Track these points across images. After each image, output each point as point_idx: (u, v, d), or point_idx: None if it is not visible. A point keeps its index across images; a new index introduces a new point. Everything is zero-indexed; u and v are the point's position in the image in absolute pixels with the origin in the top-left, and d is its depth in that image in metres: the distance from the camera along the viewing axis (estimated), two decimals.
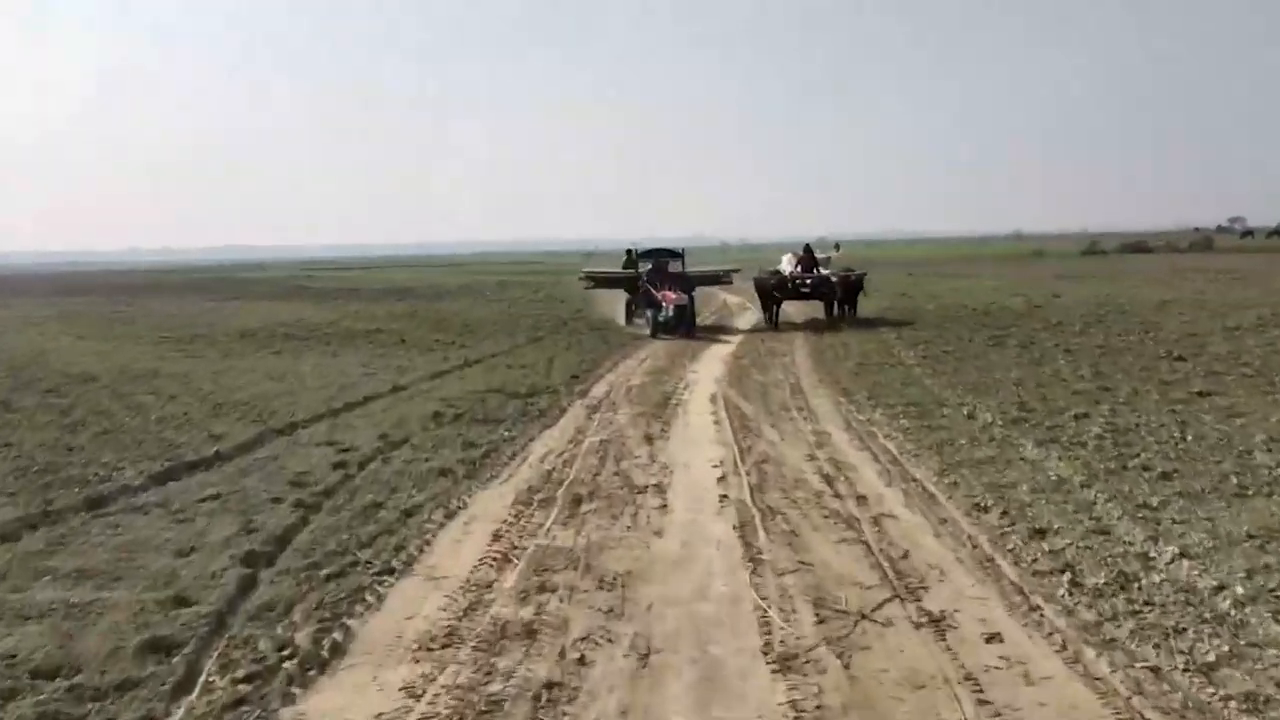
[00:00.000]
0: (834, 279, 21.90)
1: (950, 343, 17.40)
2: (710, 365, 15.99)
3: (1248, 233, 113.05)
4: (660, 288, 21.52)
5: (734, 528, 6.78)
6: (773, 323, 21.85)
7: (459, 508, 7.31)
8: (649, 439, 9.97)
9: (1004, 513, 6.95)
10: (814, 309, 23.72)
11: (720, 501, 7.51)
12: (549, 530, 6.73)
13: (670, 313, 20.74)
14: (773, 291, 21.95)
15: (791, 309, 23.46)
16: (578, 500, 7.52)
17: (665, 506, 7.38)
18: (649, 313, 21.26)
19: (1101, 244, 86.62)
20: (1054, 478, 7.85)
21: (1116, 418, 10.20)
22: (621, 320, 23.45)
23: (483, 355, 17.35)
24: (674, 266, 23.72)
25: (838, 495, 7.64)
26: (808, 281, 21.96)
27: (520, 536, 6.59)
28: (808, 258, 22.72)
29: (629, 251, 25.71)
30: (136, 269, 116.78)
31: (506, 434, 10.18)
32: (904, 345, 17.17)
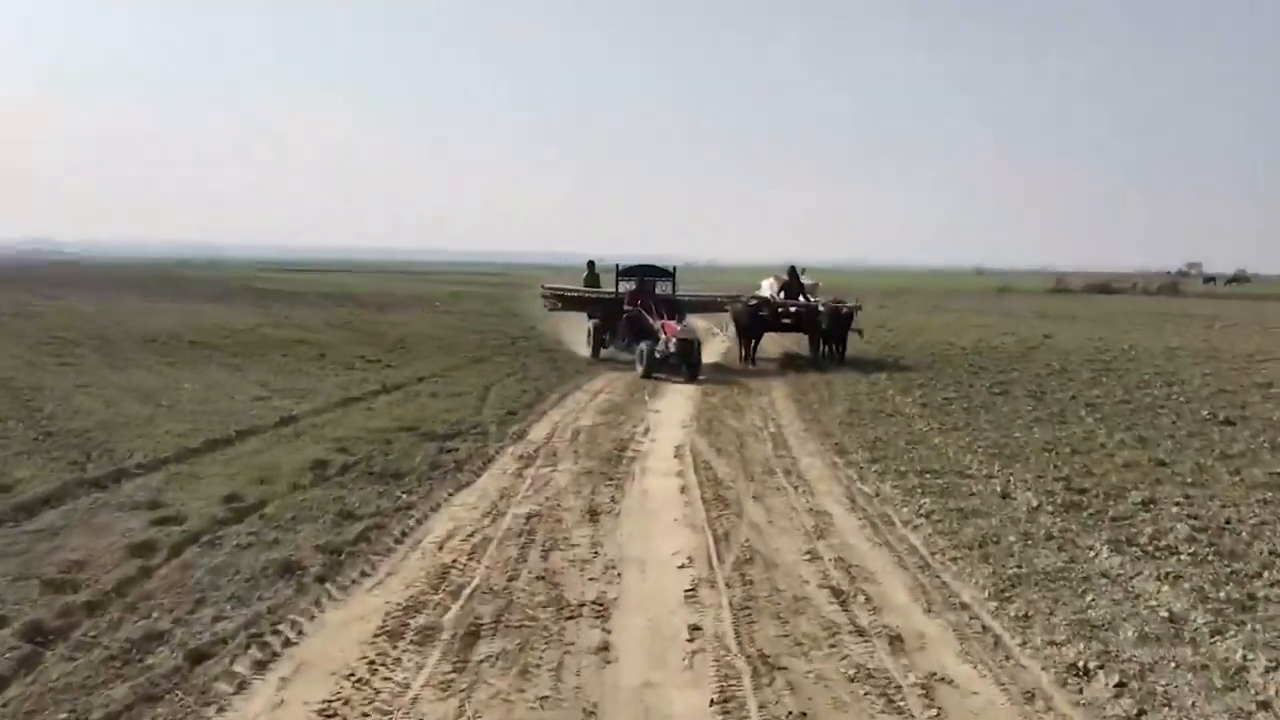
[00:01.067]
0: (822, 309, 18.74)
1: (950, 388, 15.08)
2: (675, 403, 13.53)
3: (1210, 279, 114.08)
4: (656, 315, 17.57)
5: (712, 702, 4.31)
6: (749, 358, 18.82)
7: (286, 644, 4.74)
8: (593, 514, 7.47)
9: (1120, 684, 4.56)
10: (794, 342, 21.25)
11: (690, 640, 5.02)
12: (414, 703, 4.20)
13: (672, 348, 16.37)
14: (753, 320, 18.74)
15: (765, 340, 20.14)
16: (475, 633, 4.98)
17: (607, 650, 4.86)
18: (641, 346, 16.70)
19: (1068, 283, 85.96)
20: (1163, 613, 5.47)
21: (1196, 508, 7.88)
22: (585, 350, 19.18)
23: (408, 379, 14.74)
24: (662, 287, 19.47)
25: (860, 632, 5.20)
26: (791, 310, 19.01)
27: (363, 717, 4.06)
28: (792, 281, 19.64)
29: (591, 264, 21.46)
30: (88, 260, 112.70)
31: (403, 498, 7.63)
32: (897, 389, 14.82)
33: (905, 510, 7.75)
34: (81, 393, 12.13)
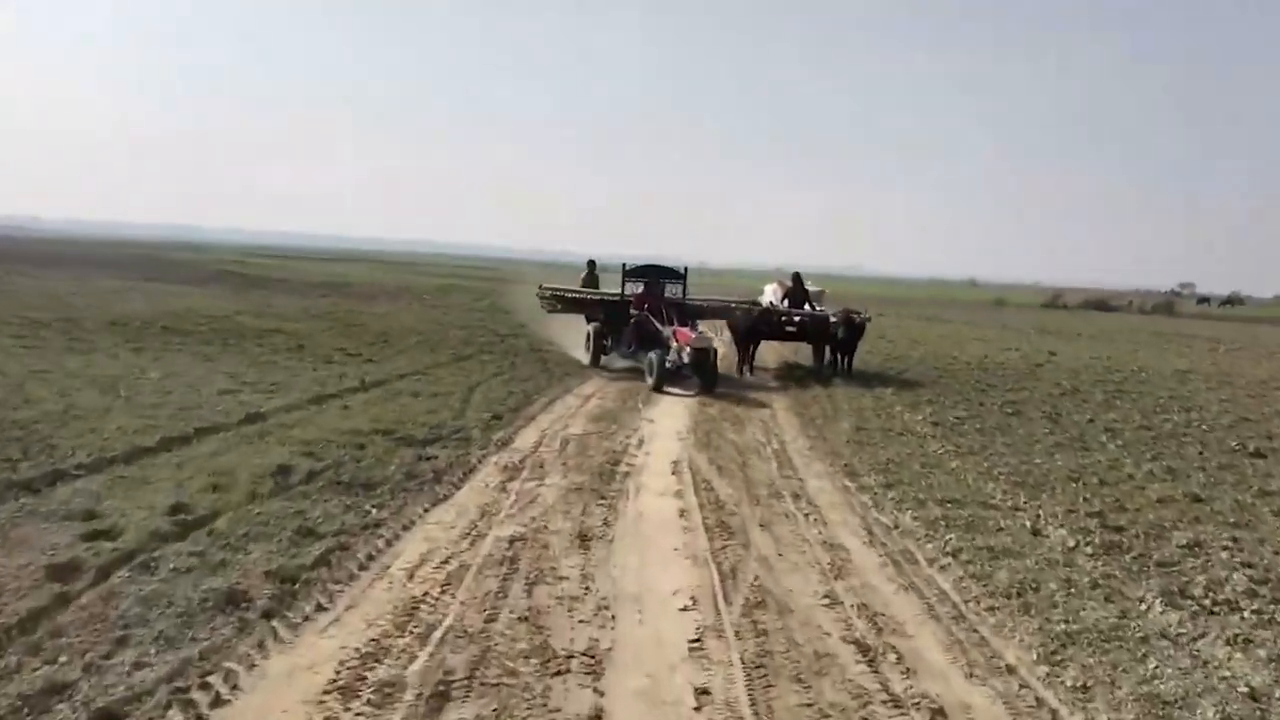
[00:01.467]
0: (832, 318, 17.52)
1: (960, 406, 14.35)
2: (670, 411, 12.75)
3: (1204, 299, 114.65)
4: (667, 320, 15.86)
5: None
6: (747, 368, 17.68)
7: (215, 703, 3.93)
8: (584, 539, 6.69)
9: None
10: (790, 351, 20.47)
11: (698, 708, 4.26)
12: None
13: (685, 358, 14.88)
14: (752, 329, 17.62)
15: (763, 349, 19.21)
16: (444, 693, 4.20)
17: None
18: (651, 356, 15.00)
19: (1064, 298, 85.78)
20: (1241, 688, 4.74)
21: (1247, 554, 7.17)
22: (583, 355, 17.46)
23: (388, 375, 13.92)
24: (672, 290, 17.61)
25: (895, 703, 4.44)
26: (794, 319, 17.90)
27: None
28: (797, 288, 18.50)
29: (591, 263, 19.53)
30: (73, 239, 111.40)
31: (372, 514, 6.84)
32: (905, 406, 14.05)
33: (929, 547, 7.00)
34: (36, 379, 11.28)
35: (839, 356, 17.43)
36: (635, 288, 17.32)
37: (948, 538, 7.18)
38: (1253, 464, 10.93)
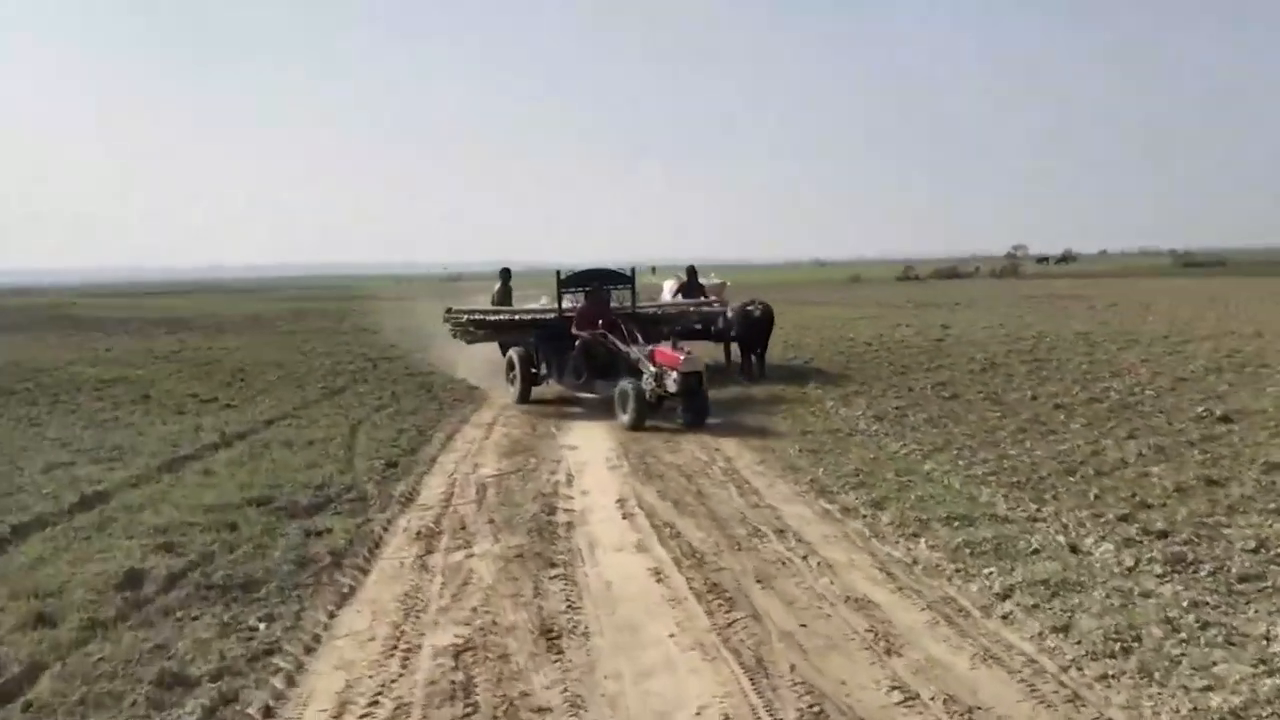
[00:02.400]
0: (731, 313, 15.95)
1: (890, 394, 13.23)
2: (591, 435, 11.16)
3: (1043, 259, 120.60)
4: (632, 339, 12.57)
5: None
6: None
7: None
8: (549, 636, 5.07)
9: None
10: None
11: None
12: None
13: (671, 386, 11.48)
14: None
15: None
16: None
17: None
18: (625, 386, 11.66)
19: (915, 271, 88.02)
20: None
21: None
22: (510, 391, 13.89)
23: (252, 423, 11.85)
24: (618, 298, 14.49)
25: None
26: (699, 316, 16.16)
27: None
28: (691, 283, 17.02)
29: (505, 273, 16.38)
30: None
31: (260, 631, 5.07)
32: (836, 400, 12.81)
33: (972, 589, 5.65)
34: None
35: (753, 354, 15.94)
36: (570, 299, 14.12)
37: (986, 572, 5.87)
38: (1230, 431, 10.10)
